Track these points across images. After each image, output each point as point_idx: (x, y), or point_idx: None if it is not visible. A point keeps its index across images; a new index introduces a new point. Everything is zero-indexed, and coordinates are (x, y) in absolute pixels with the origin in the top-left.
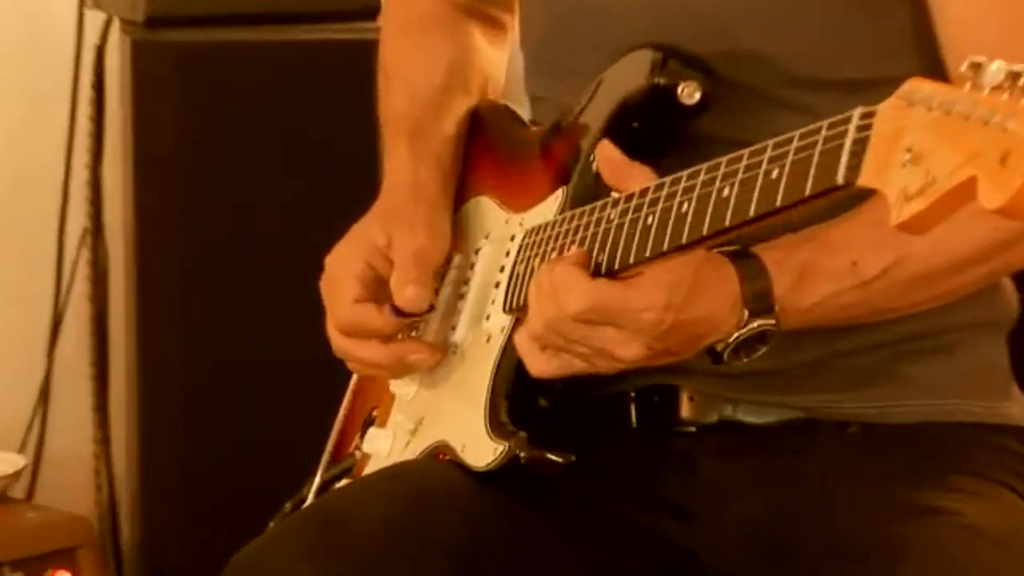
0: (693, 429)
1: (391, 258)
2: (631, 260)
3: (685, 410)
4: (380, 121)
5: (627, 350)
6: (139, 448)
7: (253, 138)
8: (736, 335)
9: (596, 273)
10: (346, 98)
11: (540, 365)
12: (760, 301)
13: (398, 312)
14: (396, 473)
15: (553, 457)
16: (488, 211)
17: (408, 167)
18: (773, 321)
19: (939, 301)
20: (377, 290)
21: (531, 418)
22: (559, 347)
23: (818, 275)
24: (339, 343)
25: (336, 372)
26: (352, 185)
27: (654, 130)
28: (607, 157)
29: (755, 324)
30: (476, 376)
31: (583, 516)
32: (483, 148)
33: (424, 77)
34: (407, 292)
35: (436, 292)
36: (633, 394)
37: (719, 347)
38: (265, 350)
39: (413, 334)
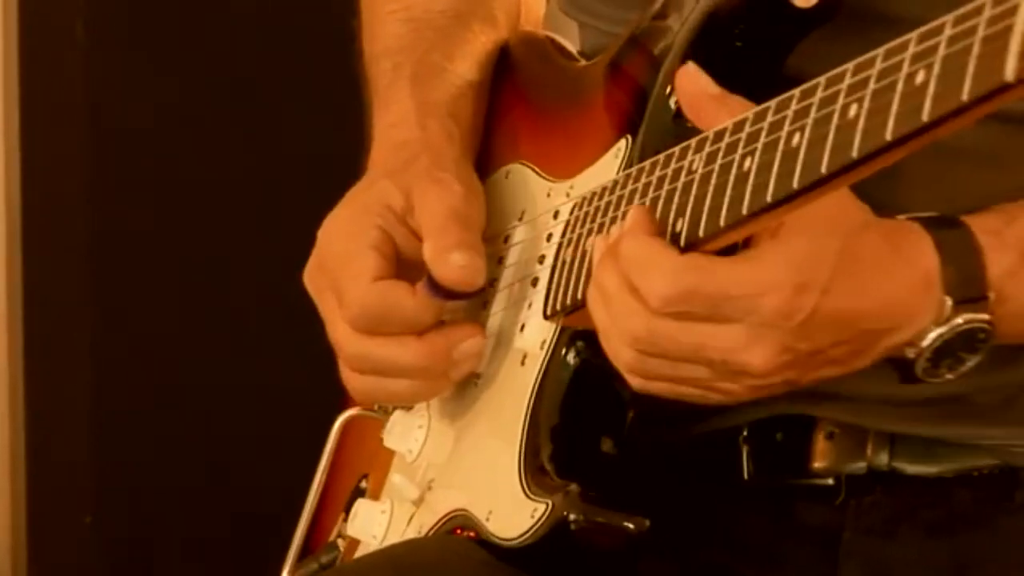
0: (830, 482)
1: (413, 226)
2: (721, 223)
3: (820, 455)
4: (364, 63)
5: (753, 354)
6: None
7: (184, 87)
8: (935, 334)
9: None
10: (314, 31)
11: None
12: (968, 286)
13: (438, 291)
14: (391, 561)
15: (621, 523)
16: (522, 183)
17: (413, 119)
18: (986, 316)
19: None
20: (398, 269)
21: (589, 468)
22: (661, 374)
23: None
24: (354, 347)
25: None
26: (325, 155)
27: (756, 50)
28: (691, 87)
29: (960, 320)
30: (507, 412)
31: None
32: (515, 98)
33: (426, 1)
34: (453, 259)
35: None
36: (745, 431)
37: (910, 353)
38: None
39: None
